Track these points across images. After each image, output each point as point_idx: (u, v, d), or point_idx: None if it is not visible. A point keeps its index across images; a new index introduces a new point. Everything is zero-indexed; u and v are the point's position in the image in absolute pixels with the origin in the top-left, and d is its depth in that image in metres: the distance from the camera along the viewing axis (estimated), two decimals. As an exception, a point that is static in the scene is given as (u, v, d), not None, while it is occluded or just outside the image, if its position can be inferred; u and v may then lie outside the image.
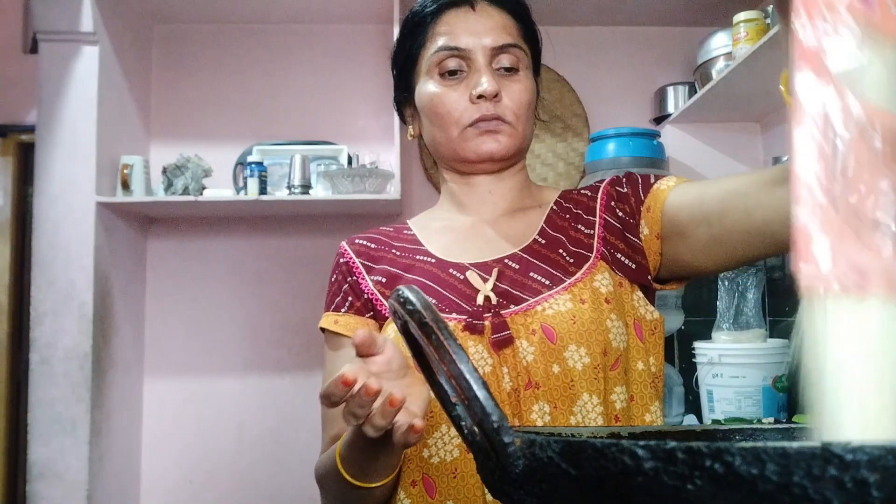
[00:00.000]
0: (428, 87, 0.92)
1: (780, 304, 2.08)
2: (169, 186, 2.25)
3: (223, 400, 2.53)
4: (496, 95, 0.88)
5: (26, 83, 2.60)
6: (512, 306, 0.84)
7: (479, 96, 0.88)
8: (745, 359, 1.82)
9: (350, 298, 0.94)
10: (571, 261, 0.88)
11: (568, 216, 0.94)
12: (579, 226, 0.92)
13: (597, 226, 0.91)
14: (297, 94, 2.60)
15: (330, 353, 0.96)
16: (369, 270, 0.94)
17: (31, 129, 2.60)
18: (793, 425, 0.46)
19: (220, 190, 2.32)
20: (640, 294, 0.89)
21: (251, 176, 2.21)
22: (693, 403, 2.12)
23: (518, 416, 0.81)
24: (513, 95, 0.90)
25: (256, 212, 2.46)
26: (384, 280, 0.92)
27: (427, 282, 0.89)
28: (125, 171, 2.23)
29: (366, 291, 0.93)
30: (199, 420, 2.52)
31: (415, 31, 0.95)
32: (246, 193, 2.22)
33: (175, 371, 2.53)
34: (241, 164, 2.38)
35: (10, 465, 2.88)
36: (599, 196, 0.93)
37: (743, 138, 2.46)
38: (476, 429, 0.39)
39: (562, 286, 0.85)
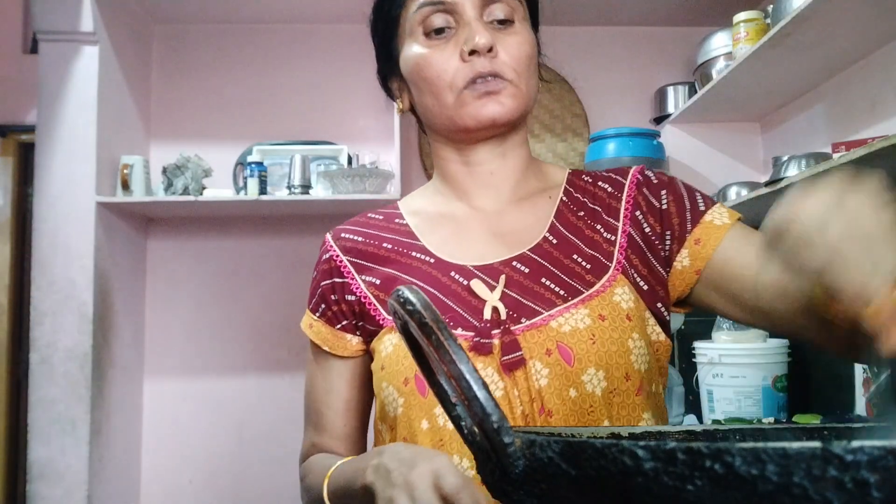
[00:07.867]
0: (412, 50, 0.81)
1: (780, 304, 2.08)
2: (169, 186, 2.24)
3: (223, 400, 2.53)
4: (490, 49, 0.77)
5: (26, 83, 2.60)
6: (524, 320, 0.75)
7: (472, 52, 0.77)
8: (745, 359, 1.82)
9: (323, 305, 0.86)
10: (588, 267, 0.79)
11: (582, 213, 0.83)
12: (598, 226, 0.82)
13: (619, 233, 0.81)
14: (297, 94, 2.60)
15: (312, 362, 0.89)
16: (360, 269, 0.85)
17: (31, 129, 2.60)
18: (793, 425, 0.46)
19: (220, 190, 2.32)
20: (649, 314, 0.80)
21: (251, 176, 2.21)
22: (693, 403, 2.12)
23: None
24: (510, 49, 0.78)
25: (256, 212, 2.46)
26: (378, 282, 0.83)
27: (428, 287, 0.80)
28: (125, 171, 2.23)
29: (356, 293, 0.84)
30: (199, 420, 2.52)
31: None
32: (246, 193, 2.22)
33: (175, 371, 2.53)
34: (241, 164, 2.38)
35: (10, 465, 2.88)
36: (624, 198, 0.83)
37: (743, 138, 2.46)
38: (476, 429, 0.39)
39: (578, 298, 0.76)
